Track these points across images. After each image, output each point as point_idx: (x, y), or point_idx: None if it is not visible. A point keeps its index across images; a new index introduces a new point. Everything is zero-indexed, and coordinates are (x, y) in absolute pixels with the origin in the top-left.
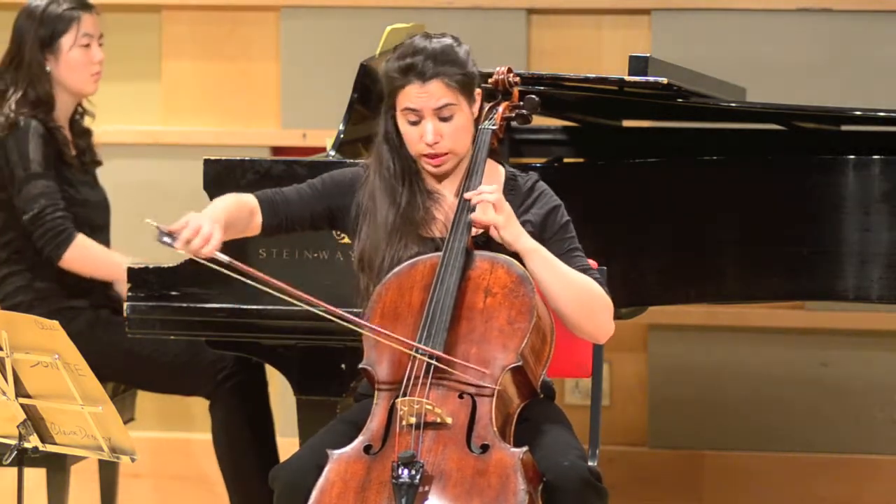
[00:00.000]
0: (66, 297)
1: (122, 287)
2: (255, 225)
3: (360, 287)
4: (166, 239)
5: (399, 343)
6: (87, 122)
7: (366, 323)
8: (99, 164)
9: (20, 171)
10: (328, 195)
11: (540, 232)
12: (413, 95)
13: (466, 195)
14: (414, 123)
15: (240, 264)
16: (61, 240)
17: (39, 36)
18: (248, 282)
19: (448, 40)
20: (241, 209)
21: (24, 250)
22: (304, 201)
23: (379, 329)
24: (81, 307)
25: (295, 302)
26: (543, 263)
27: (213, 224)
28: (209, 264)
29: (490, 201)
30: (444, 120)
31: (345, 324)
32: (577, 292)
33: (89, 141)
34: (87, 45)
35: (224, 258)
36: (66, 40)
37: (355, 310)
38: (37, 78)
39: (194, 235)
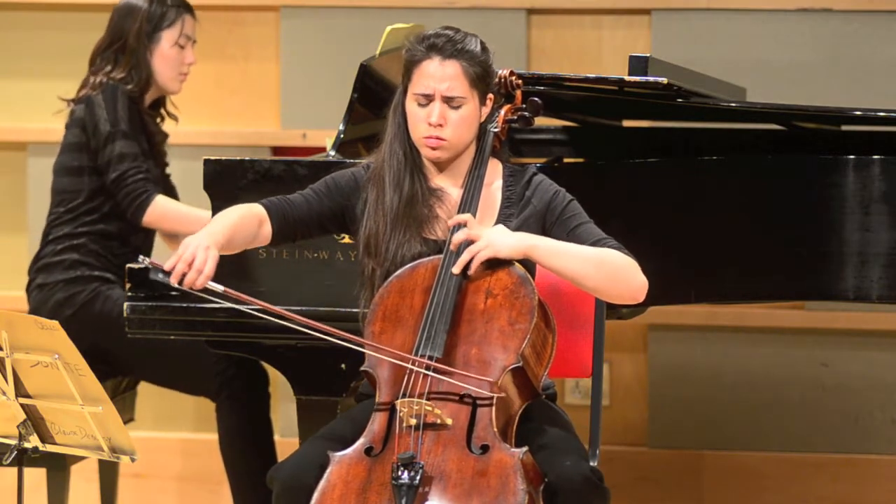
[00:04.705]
0: (106, 270)
1: None
2: (264, 234)
3: (364, 272)
4: (161, 276)
5: (396, 357)
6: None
7: (362, 340)
8: (165, 164)
9: (106, 126)
10: (333, 196)
11: (545, 218)
12: (429, 72)
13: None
14: (422, 105)
15: (236, 293)
16: (140, 203)
17: (144, 29)
18: (246, 310)
19: (477, 39)
20: (247, 221)
21: (88, 217)
22: (311, 205)
23: (376, 345)
24: (114, 281)
25: (295, 327)
26: (550, 252)
27: (205, 252)
28: (204, 296)
29: (471, 254)
30: (452, 108)
31: (342, 343)
32: (593, 265)
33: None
34: (183, 47)
35: (218, 288)
36: (167, 36)
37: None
38: (140, 64)
39: (187, 269)
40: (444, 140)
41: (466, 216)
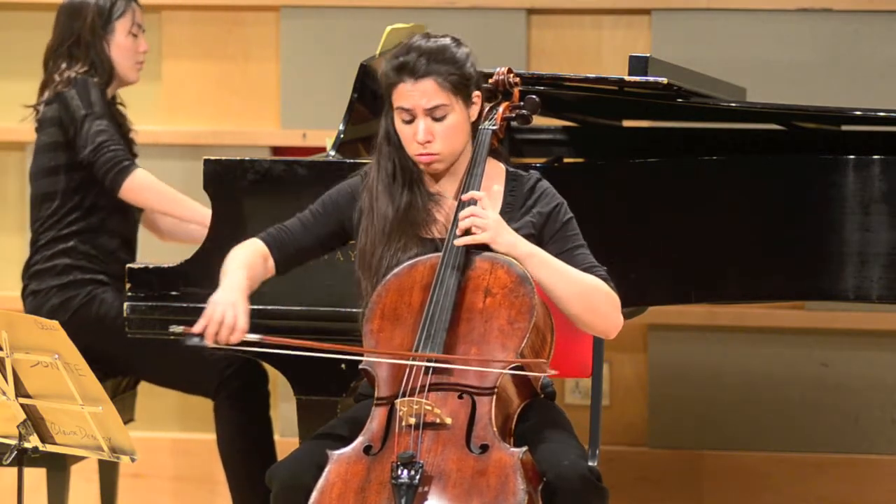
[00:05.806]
0: (98, 272)
1: (186, 224)
2: (270, 268)
3: (360, 289)
4: (195, 340)
5: (397, 358)
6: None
7: (367, 349)
8: (135, 154)
9: (82, 112)
10: (331, 214)
11: (542, 231)
12: (405, 94)
13: (461, 219)
14: (408, 122)
15: (272, 339)
16: (121, 168)
17: (97, 23)
18: (284, 352)
19: (446, 41)
20: (255, 261)
21: (71, 216)
22: (310, 229)
23: (377, 352)
24: (107, 283)
25: (324, 356)
26: (542, 266)
27: (233, 308)
28: (241, 348)
29: (477, 223)
30: (437, 120)
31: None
32: (579, 291)
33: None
34: (136, 35)
35: (255, 338)
36: (120, 26)
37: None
38: (101, 57)
39: (219, 328)
40: (436, 154)
41: (481, 193)
